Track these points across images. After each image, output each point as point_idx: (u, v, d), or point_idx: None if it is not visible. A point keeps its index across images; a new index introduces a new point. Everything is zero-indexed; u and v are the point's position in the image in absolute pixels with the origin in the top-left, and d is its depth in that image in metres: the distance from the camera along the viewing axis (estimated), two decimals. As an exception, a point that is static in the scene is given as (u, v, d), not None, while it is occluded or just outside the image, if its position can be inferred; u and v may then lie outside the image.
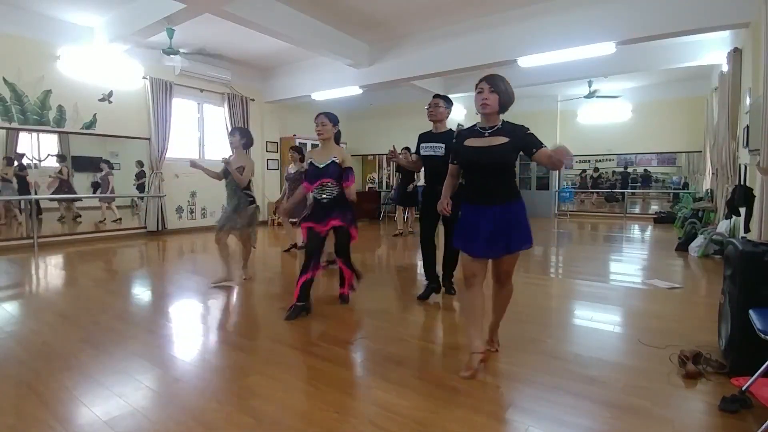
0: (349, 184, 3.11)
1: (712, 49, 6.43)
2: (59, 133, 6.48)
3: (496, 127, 2.14)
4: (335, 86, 7.98)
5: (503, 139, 2.10)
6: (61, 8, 5.84)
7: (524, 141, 2.10)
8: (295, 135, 9.66)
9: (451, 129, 3.44)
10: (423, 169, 3.51)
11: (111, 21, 6.09)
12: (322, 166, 3.09)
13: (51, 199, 6.87)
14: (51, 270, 4.86)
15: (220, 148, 8.66)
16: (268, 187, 9.56)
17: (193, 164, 3.94)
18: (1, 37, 5.74)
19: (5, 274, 4.53)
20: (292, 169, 5.56)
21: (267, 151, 9.55)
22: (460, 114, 10.73)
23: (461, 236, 2.20)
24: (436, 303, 3.46)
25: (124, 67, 6.97)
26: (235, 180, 3.78)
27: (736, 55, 5.20)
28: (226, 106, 8.52)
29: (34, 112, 6.08)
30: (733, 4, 4.62)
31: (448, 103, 3.38)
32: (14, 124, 5.93)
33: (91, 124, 6.70)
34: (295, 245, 5.74)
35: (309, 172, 3.16)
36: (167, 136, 7.47)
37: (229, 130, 3.95)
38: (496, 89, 2.09)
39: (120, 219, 7.69)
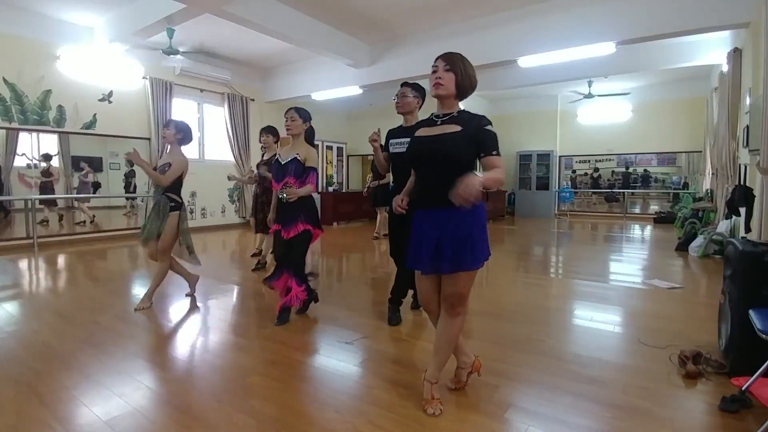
0: (306, 184, 2.85)
1: (712, 49, 6.43)
2: (59, 133, 6.47)
3: (450, 115, 1.78)
4: (335, 86, 7.97)
5: (456, 128, 1.72)
6: (61, 8, 5.84)
7: (479, 135, 1.70)
8: (295, 135, 9.63)
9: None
10: (392, 169, 3.06)
11: (111, 21, 6.09)
12: (284, 162, 2.92)
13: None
14: (51, 270, 4.86)
15: (220, 149, 8.67)
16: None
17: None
18: (1, 37, 5.74)
19: (5, 274, 4.52)
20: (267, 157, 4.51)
21: (267, 151, 9.55)
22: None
23: (410, 248, 1.80)
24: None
25: (124, 67, 6.97)
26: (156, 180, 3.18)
27: (736, 55, 5.19)
28: (226, 106, 8.52)
29: (34, 112, 6.08)
30: (733, 4, 4.62)
31: (418, 91, 2.86)
32: (14, 124, 5.93)
33: (91, 124, 6.70)
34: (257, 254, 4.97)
35: (274, 169, 3.00)
36: (167, 136, 7.45)
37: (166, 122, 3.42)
38: (452, 68, 1.73)
39: (94, 216, 7.24)
